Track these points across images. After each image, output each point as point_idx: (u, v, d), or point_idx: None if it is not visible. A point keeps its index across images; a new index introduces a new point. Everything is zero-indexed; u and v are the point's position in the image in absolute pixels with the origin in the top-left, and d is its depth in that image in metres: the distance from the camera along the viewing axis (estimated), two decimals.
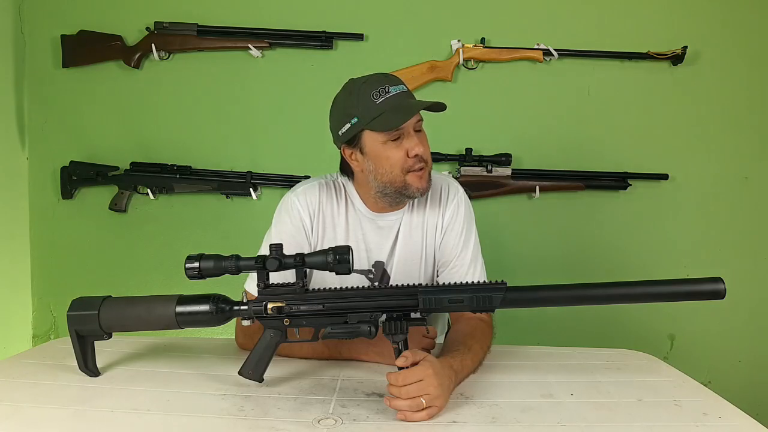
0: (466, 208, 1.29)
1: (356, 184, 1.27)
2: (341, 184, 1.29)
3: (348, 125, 1.15)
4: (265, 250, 1.21)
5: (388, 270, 1.28)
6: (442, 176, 1.33)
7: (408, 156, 1.14)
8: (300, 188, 1.27)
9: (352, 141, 1.17)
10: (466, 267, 1.27)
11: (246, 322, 0.99)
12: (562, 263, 2.17)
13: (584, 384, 1.05)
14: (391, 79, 1.17)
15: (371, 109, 1.11)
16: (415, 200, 1.27)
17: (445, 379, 0.91)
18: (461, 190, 1.31)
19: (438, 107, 1.15)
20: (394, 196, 1.18)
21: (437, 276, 1.30)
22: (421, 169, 1.16)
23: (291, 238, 1.22)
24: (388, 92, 1.12)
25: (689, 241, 2.18)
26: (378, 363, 1.13)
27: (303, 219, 1.24)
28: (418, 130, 1.17)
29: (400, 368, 0.91)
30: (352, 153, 1.19)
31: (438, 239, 1.28)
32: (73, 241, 2.17)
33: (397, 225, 1.27)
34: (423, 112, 1.17)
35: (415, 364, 0.90)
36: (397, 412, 0.88)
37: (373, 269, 1.27)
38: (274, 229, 1.26)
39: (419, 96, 2.03)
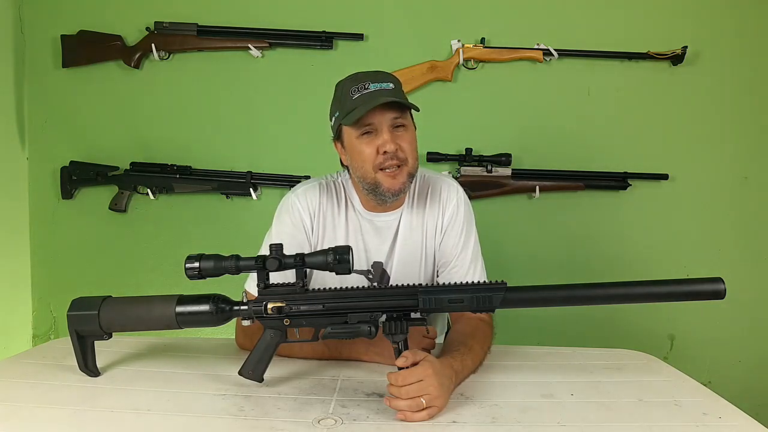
0: (466, 209, 1.29)
1: (353, 181, 1.27)
2: (341, 184, 1.29)
3: (333, 120, 1.20)
4: (265, 251, 1.21)
5: (388, 270, 1.28)
6: (442, 176, 1.33)
7: (378, 153, 1.13)
8: (300, 188, 1.27)
9: (338, 136, 1.21)
10: (466, 267, 1.27)
11: (246, 322, 0.99)
12: (562, 263, 2.17)
13: (584, 384, 1.05)
14: (377, 75, 1.16)
15: (348, 104, 1.13)
16: (414, 200, 1.27)
17: (445, 379, 0.91)
18: (461, 190, 1.30)
19: (405, 104, 1.13)
20: (373, 193, 1.17)
21: (437, 276, 1.30)
22: (398, 167, 1.14)
23: (291, 238, 1.22)
24: (367, 88, 1.12)
25: (689, 241, 2.18)
26: (378, 363, 1.13)
27: (303, 219, 1.24)
28: (398, 127, 1.14)
29: (400, 368, 0.91)
30: (340, 148, 1.23)
31: (438, 239, 1.28)
32: (73, 241, 2.17)
33: (395, 225, 1.26)
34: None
35: (415, 364, 0.90)
36: (397, 412, 0.88)
37: (371, 269, 1.27)
38: (275, 229, 1.26)
39: (418, 96, 2.05)
